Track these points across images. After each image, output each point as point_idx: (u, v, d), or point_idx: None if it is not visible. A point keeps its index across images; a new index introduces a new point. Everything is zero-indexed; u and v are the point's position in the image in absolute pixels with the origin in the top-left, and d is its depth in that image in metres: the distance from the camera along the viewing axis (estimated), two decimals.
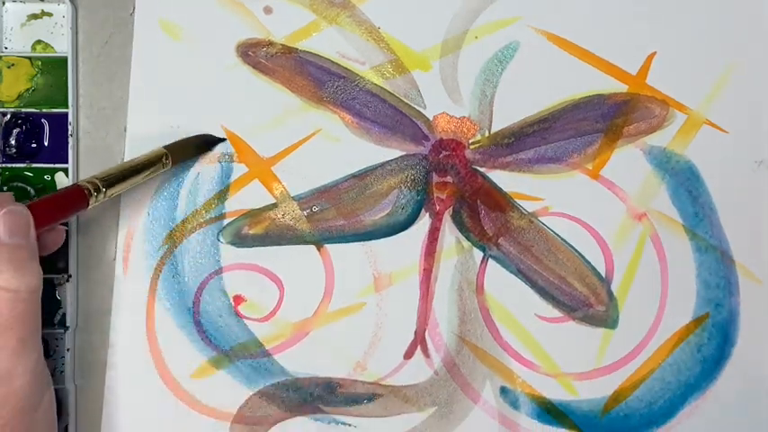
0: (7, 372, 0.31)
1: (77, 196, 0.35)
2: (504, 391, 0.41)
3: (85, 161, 0.41)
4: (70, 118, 0.41)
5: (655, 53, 0.41)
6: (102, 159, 0.41)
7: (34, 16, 0.41)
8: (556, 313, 0.41)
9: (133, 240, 0.40)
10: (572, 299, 0.41)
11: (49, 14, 0.41)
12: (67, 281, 0.40)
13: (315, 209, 0.41)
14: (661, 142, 0.41)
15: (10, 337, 0.31)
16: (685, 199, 0.41)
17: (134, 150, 0.40)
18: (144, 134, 0.41)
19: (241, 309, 0.41)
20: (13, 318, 0.31)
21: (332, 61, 0.41)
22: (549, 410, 0.41)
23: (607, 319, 0.41)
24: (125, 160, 0.40)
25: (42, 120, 0.41)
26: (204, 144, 0.40)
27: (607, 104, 0.41)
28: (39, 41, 0.41)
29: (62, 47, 0.41)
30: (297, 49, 0.41)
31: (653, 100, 0.41)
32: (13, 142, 0.41)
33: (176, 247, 0.41)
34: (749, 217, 0.41)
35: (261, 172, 0.41)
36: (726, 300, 0.41)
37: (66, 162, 0.41)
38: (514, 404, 0.41)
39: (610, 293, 0.41)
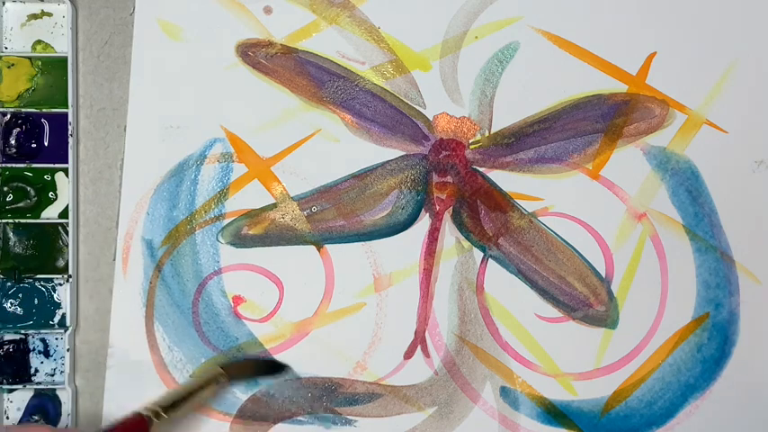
0: None
1: (140, 425, 0.35)
2: (504, 391, 0.41)
3: (85, 161, 0.41)
4: (70, 118, 0.41)
5: (655, 53, 0.41)
6: (102, 159, 0.41)
7: (34, 16, 0.41)
8: (556, 313, 0.41)
9: (132, 241, 0.40)
10: (572, 299, 0.41)
11: (49, 14, 0.41)
12: (67, 281, 0.40)
13: (314, 209, 0.41)
14: (661, 142, 0.41)
15: None
16: (685, 199, 0.41)
17: (134, 150, 0.40)
18: (144, 134, 0.41)
19: (241, 309, 0.41)
20: None
21: (332, 61, 0.41)
22: (549, 410, 0.41)
23: (607, 320, 0.41)
24: (125, 159, 0.40)
25: (42, 120, 0.41)
26: (264, 368, 0.40)
27: (607, 104, 0.41)
28: (39, 41, 0.41)
29: (62, 47, 0.41)
30: (297, 49, 0.41)
31: (653, 100, 0.41)
32: (13, 142, 0.41)
33: (176, 247, 0.41)
34: (749, 217, 0.41)
35: (260, 172, 0.41)
36: (726, 300, 0.41)
37: (66, 162, 0.41)
38: (514, 404, 0.41)
39: (610, 293, 0.41)
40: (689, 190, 0.41)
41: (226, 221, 0.41)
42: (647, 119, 0.41)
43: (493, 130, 0.41)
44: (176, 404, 0.37)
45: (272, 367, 0.40)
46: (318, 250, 0.41)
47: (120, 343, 0.40)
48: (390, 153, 0.41)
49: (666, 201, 0.41)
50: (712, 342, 0.41)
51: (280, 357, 0.41)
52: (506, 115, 0.41)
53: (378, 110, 0.41)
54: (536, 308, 0.41)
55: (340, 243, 0.41)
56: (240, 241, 0.41)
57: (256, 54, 0.41)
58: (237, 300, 0.41)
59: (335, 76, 0.41)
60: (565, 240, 0.41)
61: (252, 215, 0.41)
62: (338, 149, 0.41)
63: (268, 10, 0.41)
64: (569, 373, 0.41)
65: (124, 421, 0.35)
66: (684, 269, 0.41)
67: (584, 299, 0.41)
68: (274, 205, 0.41)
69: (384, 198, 0.41)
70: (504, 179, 0.41)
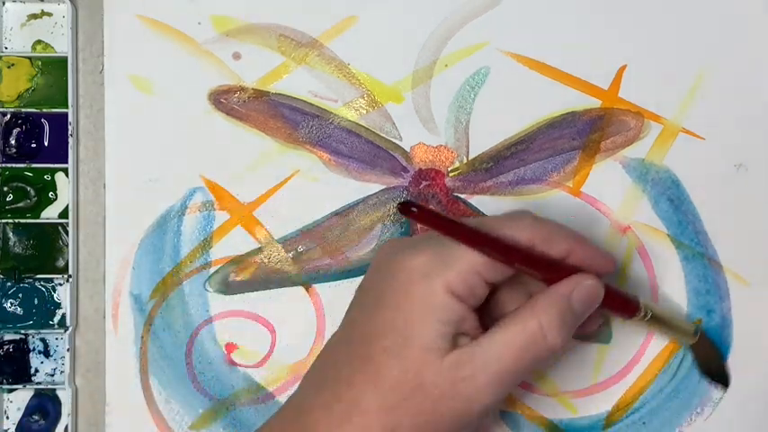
0: (483, 384, 0.31)
1: (630, 307, 0.36)
2: (504, 414, 0.41)
3: (85, 161, 0.41)
4: (70, 118, 0.41)
5: (625, 66, 0.41)
6: (102, 159, 0.41)
7: (34, 16, 0.41)
8: None
9: (121, 297, 0.40)
10: None
11: (49, 14, 0.41)
12: (67, 281, 0.40)
13: (300, 249, 0.41)
14: (639, 154, 0.41)
15: (508, 362, 0.32)
16: (668, 208, 0.41)
17: (115, 206, 0.41)
18: (123, 189, 0.41)
19: (234, 356, 0.41)
20: (523, 350, 0.32)
21: (305, 101, 0.41)
22: (551, 430, 0.41)
23: (600, 335, 0.41)
24: (107, 216, 0.41)
25: (42, 120, 0.41)
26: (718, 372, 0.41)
27: (582, 121, 0.41)
28: (39, 41, 0.41)
29: (62, 47, 0.41)
30: (268, 92, 0.41)
31: (627, 113, 0.41)
32: (13, 142, 0.41)
33: (165, 299, 0.41)
34: (733, 221, 0.41)
35: (243, 218, 0.41)
36: (717, 305, 0.41)
37: (66, 162, 0.41)
38: (516, 427, 0.41)
39: None
40: (671, 199, 0.41)
41: (212, 270, 0.41)
42: (622, 132, 0.41)
43: (471, 156, 0.41)
44: (659, 317, 0.37)
45: (724, 376, 0.41)
46: (307, 290, 0.41)
47: (117, 400, 0.40)
48: (371, 188, 0.41)
49: (650, 211, 0.41)
50: None
51: (283, 397, 0.40)
52: (483, 140, 0.41)
53: (354, 146, 0.41)
54: None
55: (328, 282, 0.41)
56: (228, 288, 0.41)
57: (229, 100, 0.41)
58: (230, 347, 0.41)
59: (309, 115, 0.41)
60: None
61: (238, 261, 0.41)
62: (318, 188, 0.41)
63: (237, 56, 0.41)
64: (567, 391, 0.41)
65: (622, 294, 0.36)
66: (673, 278, 0.41)
67: None
68: (259, 249, 0.41)
69: (368, 233, 0.41)
70: (487, 204, 0.41)
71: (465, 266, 0.32)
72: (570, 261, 0.34)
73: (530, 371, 0.32)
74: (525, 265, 0.33)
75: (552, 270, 0.33)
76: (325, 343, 0.40)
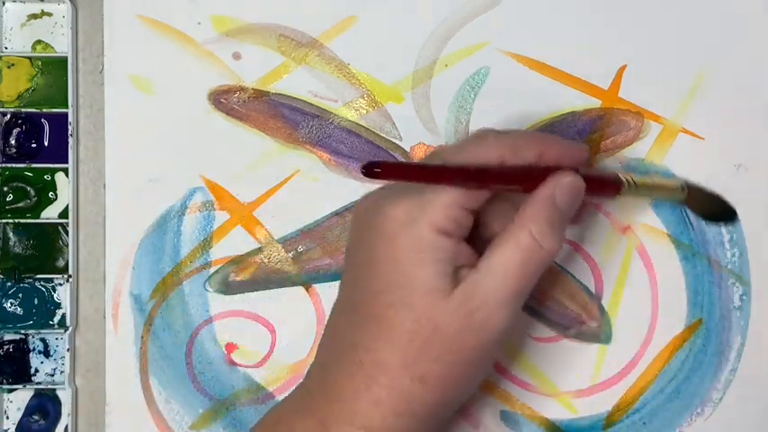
0: (493, 308, 0.31)
1: (612, 184, 0.35)
2: (504, 414, 0.41)
3: (85, 161, 0.41)
4: (70, 118, 0.41)
5: (625, 66, 0.41)
6: (102, 159, 0.41)
7: (34, 16, 0.41)
8: (549, 333, 0.41)
9: (121, 297, 0.40)
10: (564, 317, 0.41)
11: (49, 14, 0.41)
12: (67, 281, 0.40)
13: (300, 249, 0.41)
14: (639, 154, 0.41)
15: (512, 279, 0.32)
16: (668, 208, 0.41)
17: (114, 206, 0.41)
18: (123, 189, 0.41)
19: (234, 356, 0.41)
20: (524, 264, 0.32)
21: (304, 101, 0.41)
22: (551, 431, 0.41)
23: (600, 335, 0.41)
24: (107, 216, 0.41)
25: (42, 120, 0.41)
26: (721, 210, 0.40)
27: (582, 121, 0.41)
28: (39, 41, 0.41)
29: (62, 47, 0.41)
30: (268, 92, 0.41)
31: (627, 113, 0.41)
32: (13, 142, 0.41)
33: (164, 299, 0.41)
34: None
35: (243, 218, 0.41)
36: (717, 305, 0.41)
37: (66, 162, 0.41)
38: (516, 427, 0.41)
39: (601, 308, 0.41)
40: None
41: (212, 270, 0.41)
42: (622, 132, 0.41)
43: None
44: (644, 184, 0.37)
45: (728, 212, 0.40)
46: (307, 290, 0.41)
47: (117, 400, 0.40)
48: (371, 188, 0.41)
49: (650, 212, 0.41)
50: (707, 348, 0.41)
51: (281, 397, 0.40)
52: None
53: (354, 146, 0.41)
54: (529, 329, 0.41)
55: (328, 282, 0.41)
56: (228, 288, 0.41)
57: (229, 100, 0.41)
58: (230, 347, 0.41)
59: (309, 115, 0.41)
60: None
61: (238, 261, 0.41)
62: (318, 188, 0.41)
63: (237, 56, 0.41)
64: (567, 391, 0.41)
65: (602, 176, 0.36)
66: (673, 278, 0.41)
67: (576, 316, 0.41)
68: (259, 249, 0.41)
69: None
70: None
71: (446, 201, 0.31)
72: (543, 162, 0.33)
73: (535, 281, 0.33)
74: (501, 183, 0.33)
75: (528, 178, 0.33)
76: None
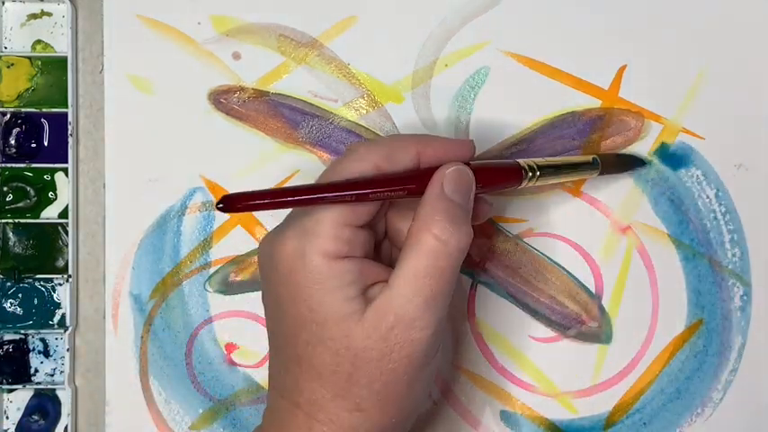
0: (411, 320, 0.30)
1: (513, 172, 0.34)
2: (504, 414, 0.41)
3: (85, 161, 0.41)
4: (70, 118, 0.41)
5: (625, 66, 0.41)
6: (101, 159, 0.41)
7: (34, 16, 0.41)
8: (549, 333, 0.41)
9: (121, 297, 0.40)
10: (564, 317, 0.41)
11: (49, 14, 0.41)
12: (67, 281, 0.41)
13: None
14: (639, 154, 0.41)
15: (425, 285, 0.30)
16: (668, 208, 0.41)
17: (114, 206, 0.41)
18: (123, 189, 0.41)
19: (234, 356, 0.41)
20: (433, 267, 0.30)
21: (305, 101, 0.41)
22: (551, 431, 0.41)
23: (601, 335, 0.41)
24: (107, 216, 0.41)
25: (42, 120, 0.41)
26: (631, 162, 0.40)
27: (582, 121, 0.41)
28: (39, 41, 0.41)
29: (62, 47, 0.41)
30: (268, 92, 0.41)
31: (627, 113, 0.41)
32: (12, 142, 0.41)
33: (164, 300, 0.41)
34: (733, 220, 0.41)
35: (243, 217, 0.41)
36: (718, 305, 0.41)
37: (66, 162, 0.41)
38: (516, 427, 0.41)
39: (601, 309, 0.41)
40: (671, 199, 0.41)
41: (212, 270, 0.41)
42: (623, 132, 0.41)
43: None
44: (552, 170, 0.35)
45: (636, 161, 0.40)
46: None
47: (117, 400, 0.40)
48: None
49: (650, 212, 0.41)
50: (708, 348, 0.41)
51: None
52: (483, 140, 0.41)
53: None
54: (529, 329, 0.41)
55: None
56: (228, 288, 0.41)
57: (229, 100, 0.41)
58: (230, 347, 0.41)
59: (309, 115, 0.41)
60: (552, 259, 0.41)
61: (238, 261, 0.41)
62: None
63: (237, 55, 0.41)
64: (568, 391, 0.41)
65: (502, 164, 0.34)
66: (674, 278, 0.41)
67: (576, 316, 0.41)
68: None
69: None
70: None
71: (328, 225, 0.30)
72: (424, 164, 0.32)
73: (451, 283, 0.31)
74: (379, 191, 0.30)
75: (412, 182, 0.31)
76: None
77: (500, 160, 0.34)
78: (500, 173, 0.34)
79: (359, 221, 0.31)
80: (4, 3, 0.41)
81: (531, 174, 0.34)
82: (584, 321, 0.41)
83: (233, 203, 0.28)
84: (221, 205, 0.27)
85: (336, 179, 0.31)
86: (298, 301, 0.30)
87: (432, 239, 0.30)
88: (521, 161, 0.35)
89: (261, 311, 0.40)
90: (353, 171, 0.31)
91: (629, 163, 0.40)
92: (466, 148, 0.33)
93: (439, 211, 0.31)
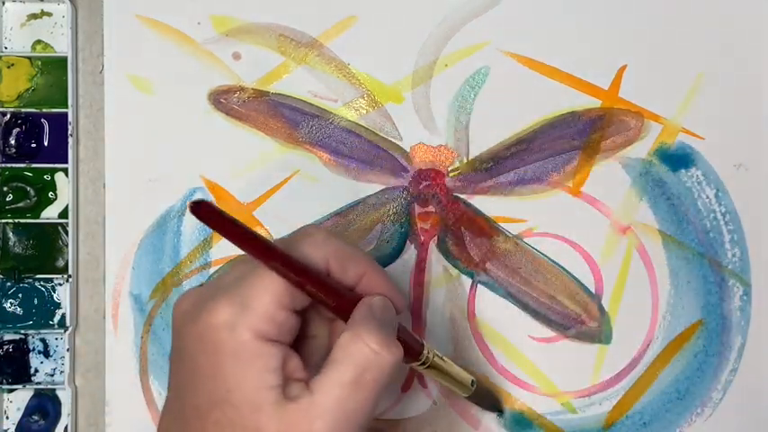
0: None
1: (415, 349, 0.33)
2: (504, 414, 0.41)
3: (85, 161, 0.41)
4: (70, 118, 0.41)
5: (625, 66, 0.41)
6: (101, 159, 0.41)
7: (34, 16, 0.42)
8: (549, 333, 0.41)
9: (121, 297, 0.40)
10: (564, 317, 0.41)
11: (49, 14, 0.42)
12: (67, 281, 0.41)
13: None
14: (639, 154, 0.41)
15: (348, 398, 0.29)
16: (668, 208, 0.41)
17: (114, 206, 0.41)
18: (123, 189, 0.41)
19: None
20: (361, 379, 0.29)
21: (304, 101, 0.41)
22: (551, 431, 0.41)
23: (600, 335, 0.41)
24: (107, 216, 0.41)
25: (42, 120, 0.41)
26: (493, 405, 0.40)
27: (582, 121, 0.41)
28: (39, 41, 0.41)
29: (62, 47, 0.41)
30: (268, 92, 0.41)
31: (627, 113, 0.41)
32: (12, 142, 0.41)
33: (164, 299, 0.41)
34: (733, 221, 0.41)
35: (242, 217, 0.41)
36: (718, 305, 0.41)
37: (66, 162, 0.41)
38: (516, 427, 0.41)
39: (601, 309, 0.41)
40: (671, 199, 0.41)
41: (212, 270, 0.41)
42: (622, 132, 0.41)
43: (471, 156, 0.41)
44: (437, 365, 0.34)
45: (496, 407, 0.41)
46: None
47: (117, 401, 0.40)
48: (371, 188, 0.41)
49: (649, 212, 0.41)
50: (708, 349, 0.41)
51: None
52: (483, 140, 0.41)
53: (354, 146, 0.41)
54: (529, 329, 0.41)
55: None
56: None
57: (229, 100, 0.41)
58: None
59: (309, 115, 0.41)
60: (552, 259, 0.41)
61: None
62: (318, 189, 0.41)
63: (237, 56, 0.41)
64: (567, 391, 0.41)
65: (412, 336, 0.33)
66: (673, 278, 0.41)
67: (576, 316, 0.41)
68: None
69: (368, 233, 0.41)
70: (486, 204, 0.41)
71: (267, 302, 0.28)
72: (362, 288, 0.31)
73: (377, 400, 0.29)
74: (318, 289, 0.29)
75: (342, 299, 0.30)
76: None
77: (414, 334, 0.34)
78: (408, 343, 0.32)
79: (294, 306, 0.29)
80: (4, 3, 0.41)
81: (426, 357, 0.33)
82: (583, 321, 0.41)
83: (201, 210, 0.27)
84: (193, 206, 0.27)
85: (288, 249, 0.29)
86: (217, 378, 0.28)
87: (365, 349, 0.29)
88: (427, 347, 0.33)
89: None
90: (305, 253, 0.30)
91: (493, 404, 0.40)
92: (400, 304, 0.32)
93: (374, 325, 0.29)
